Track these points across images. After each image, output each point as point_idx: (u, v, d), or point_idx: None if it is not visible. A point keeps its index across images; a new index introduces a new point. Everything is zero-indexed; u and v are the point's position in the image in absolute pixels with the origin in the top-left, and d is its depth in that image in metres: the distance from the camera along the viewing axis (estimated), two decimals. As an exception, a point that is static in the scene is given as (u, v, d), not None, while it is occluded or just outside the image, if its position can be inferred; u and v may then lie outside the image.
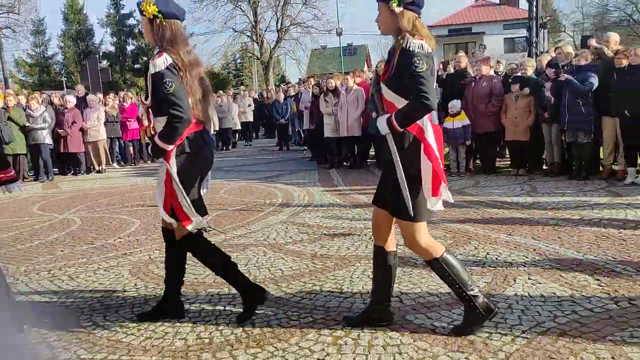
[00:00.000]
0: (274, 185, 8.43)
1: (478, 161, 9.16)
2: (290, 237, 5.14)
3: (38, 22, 37.28)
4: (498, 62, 10.79)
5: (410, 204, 2.68)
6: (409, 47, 2.65)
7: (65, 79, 36.56)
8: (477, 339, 2.78)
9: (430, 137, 2.70)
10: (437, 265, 2.85)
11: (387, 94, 2.77)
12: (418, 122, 2.70)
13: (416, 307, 3.26)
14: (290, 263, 4.29)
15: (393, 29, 2.77)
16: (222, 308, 3.41)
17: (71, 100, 11.63)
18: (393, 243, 2.98)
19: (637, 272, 3.63)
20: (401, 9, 2.69)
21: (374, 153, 10.91)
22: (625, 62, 6.82)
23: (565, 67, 7.62)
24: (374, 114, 9.17)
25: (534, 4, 12.43)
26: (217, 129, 15.34)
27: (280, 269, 4.15)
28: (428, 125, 2.71)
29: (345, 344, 2.83)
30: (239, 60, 46.85)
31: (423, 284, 3.63)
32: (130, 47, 38.07)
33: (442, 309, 3.20)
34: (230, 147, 16.23)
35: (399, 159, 2.69)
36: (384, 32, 2.86)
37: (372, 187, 7.81)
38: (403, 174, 2.68)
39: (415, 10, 2.73)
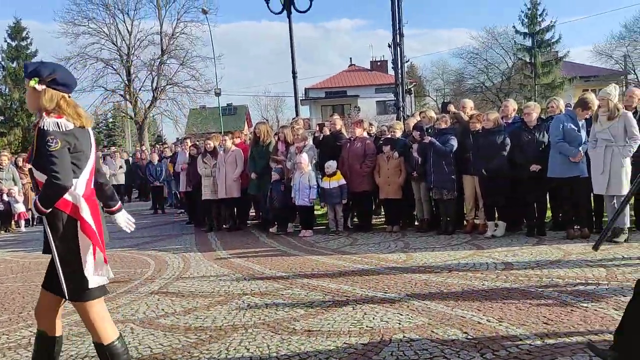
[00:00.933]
0: (147, 252, 7.94)
1: (355, 219, 9.43)
2: (162, 309, 4.80)
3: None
4: (370, 124, 11.41)
5: (65, 285, 2.66)
6: (44, 126, 2.65)
7: None
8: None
9: (86, 214, 2.71)
10: (101, 351, 2.81)
11: (37, 174, 2.75)
12: (71, 200, 2.70)
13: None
14: (161, 339, 3.97)
15: (37, 106, 2.76)
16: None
17: None
18: (59, 327, 2.91)
19: (499, 322, 3.84)
20: (43, 87, 2.71)
21: (254, 214, 10.82)
22: (479, 126, 7.52)
23: (429, 130, 8.24)
24: (253, 175, 9.18)
25: (399, 72, 13.46)
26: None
27: (149, 347, 3.82)
28: (82, 201, 2.72)
29: None
30: (110, 120, 44.98)
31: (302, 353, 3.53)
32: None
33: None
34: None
35: (52, 240, 2.66)
36: (32, 110, 2.86)
37: (253, 250, 7.68)
38: (57, 255, 2.66)
39: (61, 90, 2.76)
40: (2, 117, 34.38)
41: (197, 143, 12.00)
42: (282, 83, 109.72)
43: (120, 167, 16.56)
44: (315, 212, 9.66)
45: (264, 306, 4.64)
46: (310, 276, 5.72)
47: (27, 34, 35.41)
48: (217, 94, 33.22)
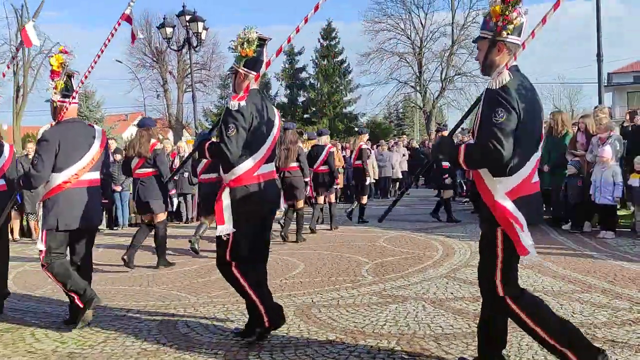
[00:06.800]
0: (434, 236, 8.25)
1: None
2: (451, 293, 4.97)
3: (225, 77, 41.87)
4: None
5: None
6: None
7: (246, 126, 40.12)
8: None
9: None
10: None
11: None
12: None
13: None
14: (451, 321, 4.13)
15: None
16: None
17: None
18: None
19: None
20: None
21: (544, 209, 10.19)
22: None
23: None
24: (545, 168, 8.62)
25: None
26: (376, 177, 15.62)
27: (440, 326, 4.02)
28: None
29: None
30: (400, 110, 47.59)
31: None
32: (301, 99, 40.85)
33: None
34: (388, 195, 16.35)
35: None
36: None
37: (543, 246, 7.31)
38: None
39: None
40: (314, 108, 39.58)
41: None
42: (580, 68, 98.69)
43: (404, 155, 17.60)
44: (618, 213, 8.54)
45: (559, 307, 4.38)
46: (613, 282, 5.13)
47: (335, 34, 39.79)
48: (505, 82, 31.92)
